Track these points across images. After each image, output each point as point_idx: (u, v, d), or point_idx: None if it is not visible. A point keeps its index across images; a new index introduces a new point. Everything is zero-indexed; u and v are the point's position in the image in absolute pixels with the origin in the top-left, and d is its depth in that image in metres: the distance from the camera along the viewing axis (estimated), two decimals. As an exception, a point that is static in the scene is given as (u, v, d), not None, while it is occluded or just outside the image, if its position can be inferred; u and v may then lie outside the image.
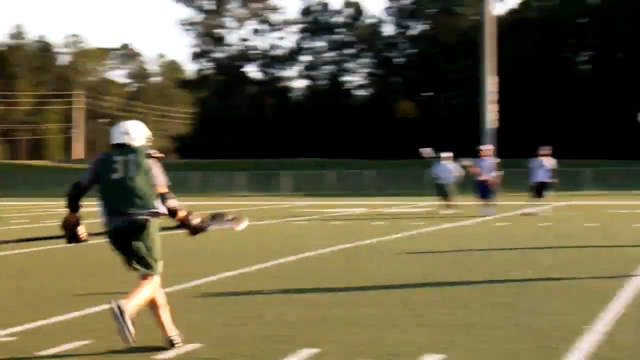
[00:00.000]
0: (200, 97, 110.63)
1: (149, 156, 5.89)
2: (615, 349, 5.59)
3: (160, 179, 5.90)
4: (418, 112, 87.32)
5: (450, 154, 23.87)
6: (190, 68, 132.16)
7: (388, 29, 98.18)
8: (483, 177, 21.73)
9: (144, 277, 5.82)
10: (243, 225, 6.27)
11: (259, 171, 59.60)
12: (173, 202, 5.92)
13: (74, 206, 5.85)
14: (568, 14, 79.19)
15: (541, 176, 21.80)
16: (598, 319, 6.67)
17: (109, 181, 5.78)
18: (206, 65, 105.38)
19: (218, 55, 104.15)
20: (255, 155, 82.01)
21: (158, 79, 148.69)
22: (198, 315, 7.07)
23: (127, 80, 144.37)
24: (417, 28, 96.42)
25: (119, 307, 5.44)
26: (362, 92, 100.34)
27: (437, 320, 6.68)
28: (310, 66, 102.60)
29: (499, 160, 22.32)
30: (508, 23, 77.52)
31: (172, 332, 5.93)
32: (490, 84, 41.58)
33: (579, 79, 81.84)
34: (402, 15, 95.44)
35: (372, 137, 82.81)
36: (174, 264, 11.12)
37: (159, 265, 5.91)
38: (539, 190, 21.91)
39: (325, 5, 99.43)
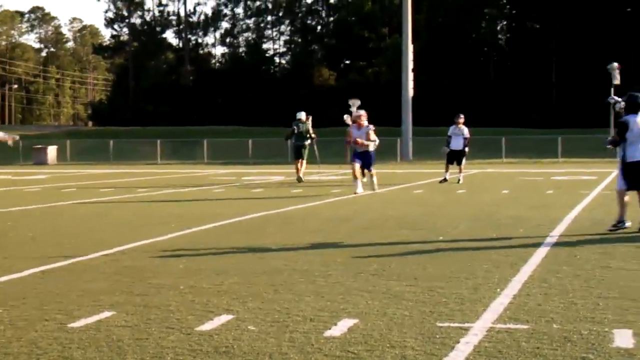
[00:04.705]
0: (116, 64, 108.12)
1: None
2: (526, 311, 5.72)
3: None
4: (337, 81, 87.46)
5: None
6: (107, 34, 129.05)
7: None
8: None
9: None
10: None
11: (180, 139, 58.79)
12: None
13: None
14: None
15: (457, 144, 22.06)
16: (511, 283, 6.81)
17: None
18: (122, 31, 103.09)
19: (135, 20, 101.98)
20: (175, 123, 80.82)
21: (73, 44, 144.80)
22: (111, 283, 6.92)
23: (40, 45, 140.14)
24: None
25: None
26: (281, 60, 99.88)
27: (352, 286, 6.71)
28: (229, 33, 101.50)
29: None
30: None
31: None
32: (410, 52, 41.91)
33: (496, 48, 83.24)
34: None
35: (292, 105, 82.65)
36: (91, 233, 10.88)
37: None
38: (455, 157, 22.19)
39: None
